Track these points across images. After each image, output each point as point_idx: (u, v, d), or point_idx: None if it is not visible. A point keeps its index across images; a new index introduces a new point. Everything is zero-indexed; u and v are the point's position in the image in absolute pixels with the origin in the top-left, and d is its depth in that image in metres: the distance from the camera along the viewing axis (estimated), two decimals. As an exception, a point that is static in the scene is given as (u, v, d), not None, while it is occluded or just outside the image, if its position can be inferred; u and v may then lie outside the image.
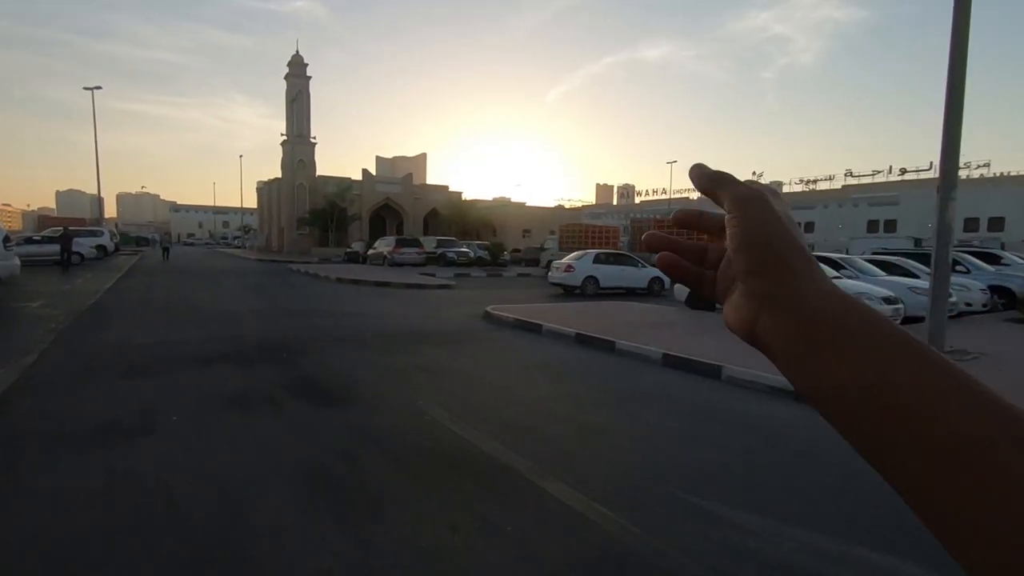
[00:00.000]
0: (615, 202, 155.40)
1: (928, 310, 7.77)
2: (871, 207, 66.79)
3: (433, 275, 23.62)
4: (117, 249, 40.28)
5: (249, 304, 13.26)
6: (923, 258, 14.88)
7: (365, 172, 51.44)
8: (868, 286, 10.47)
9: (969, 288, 12.46)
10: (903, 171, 76.65)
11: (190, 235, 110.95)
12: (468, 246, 30.93)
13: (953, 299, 11.73)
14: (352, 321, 10.77)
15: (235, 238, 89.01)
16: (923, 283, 11.92)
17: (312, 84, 50.33)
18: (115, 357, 7.12)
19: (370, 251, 30.09)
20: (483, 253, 29.85)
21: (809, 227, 68.88)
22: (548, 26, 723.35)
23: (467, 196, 57.23)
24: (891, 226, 62.64)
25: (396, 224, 52.38)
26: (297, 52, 50.42)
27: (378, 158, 58.35)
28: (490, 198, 61.74)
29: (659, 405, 5.76)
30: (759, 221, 0.34)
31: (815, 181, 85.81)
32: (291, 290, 17.53)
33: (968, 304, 12.23)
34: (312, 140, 49.72)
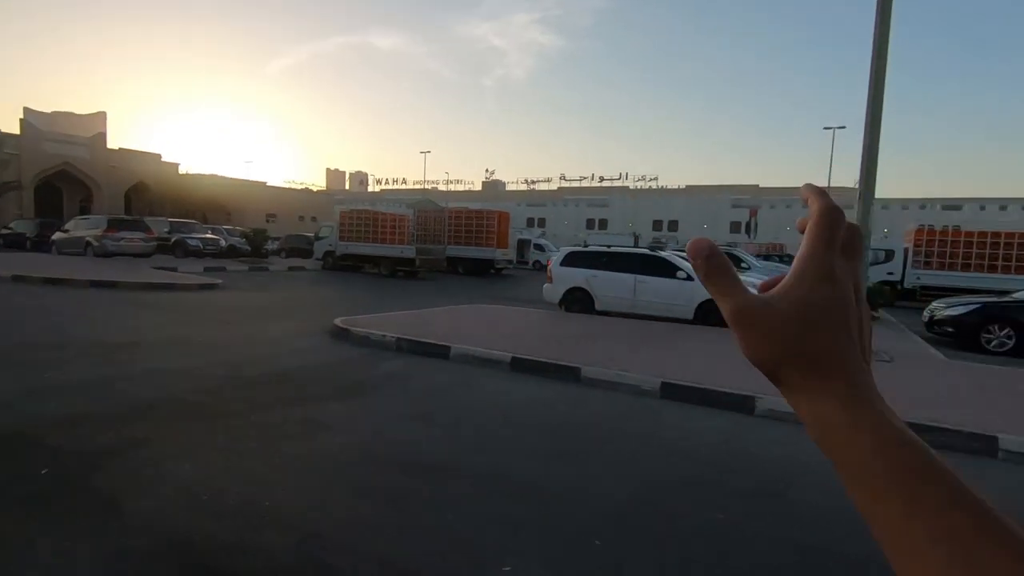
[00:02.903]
0: (347, 187, 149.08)
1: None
2: (588, 207, 77.29)
3: (175, 269, 17.65)
4: None
5: None
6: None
7: (26, 124, 37.16)
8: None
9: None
10: (602, 179, 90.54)
11: None
12: (215, 231, 24.30)
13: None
14: (129, 357, 6.34)
15: None
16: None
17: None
18: None
19: (57, 234, 21.09)
20: (237, 241, 23.81)
21: (542, 222, 76.25)
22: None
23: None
24: (604, 224, 73.46)
25: (81, 199, 39.30)
26: None
27: (27, 110, 40.84)
28: (204, 175, 51.09)
29: (776, 504, 4.03)
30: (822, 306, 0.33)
31: (536, 182, 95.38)
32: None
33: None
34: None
